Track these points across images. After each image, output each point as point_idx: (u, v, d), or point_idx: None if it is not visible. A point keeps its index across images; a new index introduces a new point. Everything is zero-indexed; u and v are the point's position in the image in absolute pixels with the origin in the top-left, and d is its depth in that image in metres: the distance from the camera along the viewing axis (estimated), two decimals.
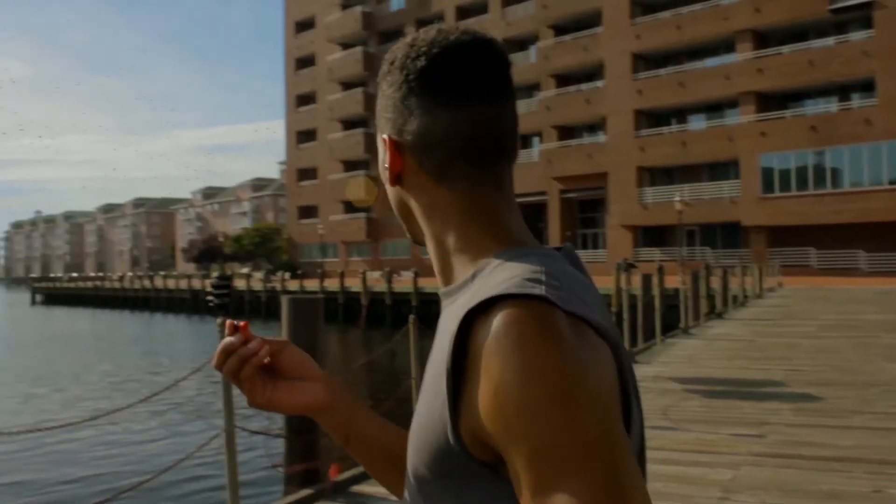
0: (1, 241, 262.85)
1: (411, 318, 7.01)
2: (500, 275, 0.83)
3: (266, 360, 1.06)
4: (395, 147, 0.96)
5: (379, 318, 39.33)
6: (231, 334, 1.06)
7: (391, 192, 1.01)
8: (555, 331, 0.75)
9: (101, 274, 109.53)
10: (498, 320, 0.76)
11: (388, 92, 0.97)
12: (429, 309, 34.98)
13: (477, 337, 0.78)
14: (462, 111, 0.92)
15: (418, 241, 1.02)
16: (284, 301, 6.09)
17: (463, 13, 59.08)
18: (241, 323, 1.07)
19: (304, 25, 74.01)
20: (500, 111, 0.94)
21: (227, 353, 1.04)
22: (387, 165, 0.97)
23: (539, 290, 0.78)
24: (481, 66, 0.93)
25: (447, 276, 0.95)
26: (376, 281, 44.12)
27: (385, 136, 0.97)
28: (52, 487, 10.30)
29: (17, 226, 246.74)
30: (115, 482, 9.48)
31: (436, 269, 0.98)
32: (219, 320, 4.81)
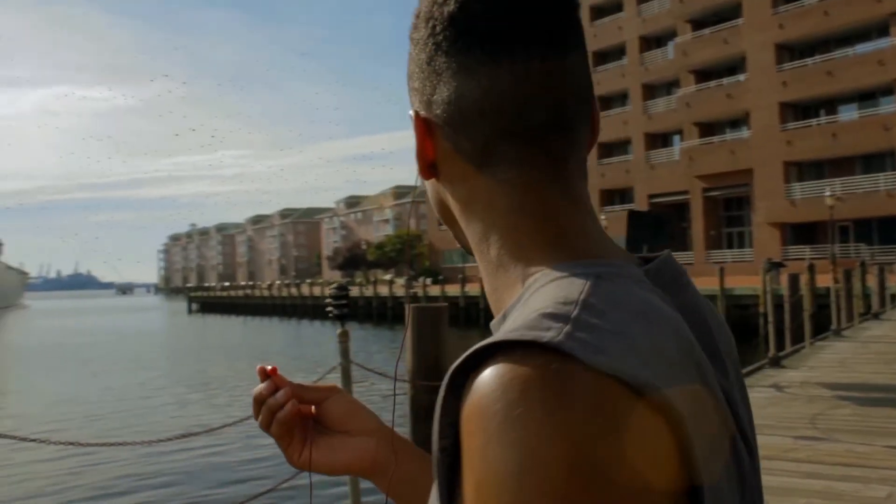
0: (160, 253, 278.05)
1: None
2: (532, 303, 0.60)
3: (305, 409, 0.92)
4: (425, 125, 0.74)
5: None
6: (262, 380, 0.91)
7: (427, 186, 0.80)
8: (560, 401, 0.51)
9: (250, 283, 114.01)
10: (482, 383, 0.54)
11: (413, 53, 0.76)
12: None
13: (465, 404, 0.55)
14: (505, 69, 0.69)
15: (468, 251, 0.79)
16: (408, 309, 6.09)
17: (597, 13, 58.24)
18: (270, 367, 0.92)
19: None
20: (559, 68, 0.70)
21: (258, 403, 0.91)
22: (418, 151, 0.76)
23: (552, 334, 0.54)
24: (530, 4, 0.70)
25: (497, 299, 0.71)
26: None
27: (412, 112, 0.76)
28: (199, 490, 10.75)
29: (175, 238, 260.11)
30: (249, 489, 9.75)
31: (486, 289, 0.74)
32: (339, 330, 4.86)
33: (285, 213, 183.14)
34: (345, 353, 4.99)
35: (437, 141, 0.74)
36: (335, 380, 5.30)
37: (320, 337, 40.61)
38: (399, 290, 55.01)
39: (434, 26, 0.72)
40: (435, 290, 50.63)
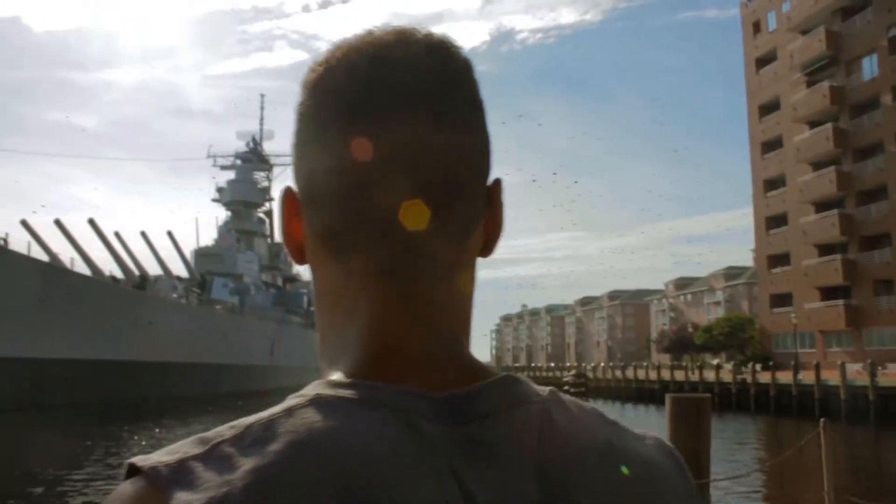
0: (493, 332, 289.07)
1: (822, 421, 6.18)
2: None
3: None
4: (292, 202, 0.69)
5: (862, 414, 35.87)
6: None
7: None
8: None
9: (574, 364, 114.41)
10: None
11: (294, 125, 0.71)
12: None
13: None
14: (354, 145, 0.63)
15: None
16: (667, 399, 5.77)
17: None
18: None
19: (768, 108, 71.90)
20: (423, 146, 0.63)
21: None
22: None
23: (153, 460, 0.56)
24: (370, 74, 0.64)
25: None
26: (858, 374, 40.40)
27: (283, 188, 0.71)
28: None
29: (507, 319, 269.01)
30: None
31: None
32: None
33: (614, 295, 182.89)
34: None
35: (303, 220, 0.69)
36: None
37: (640, 422, 38.61)
38: (726, 376, 52.54)
39: (302, 96, 0.68)
40: (765, 377, 47.62)
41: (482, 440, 0.59)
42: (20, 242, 38.20)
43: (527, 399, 0.63)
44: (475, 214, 0.67)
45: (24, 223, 42.98)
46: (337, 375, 0.62)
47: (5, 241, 36.39)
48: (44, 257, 41.45)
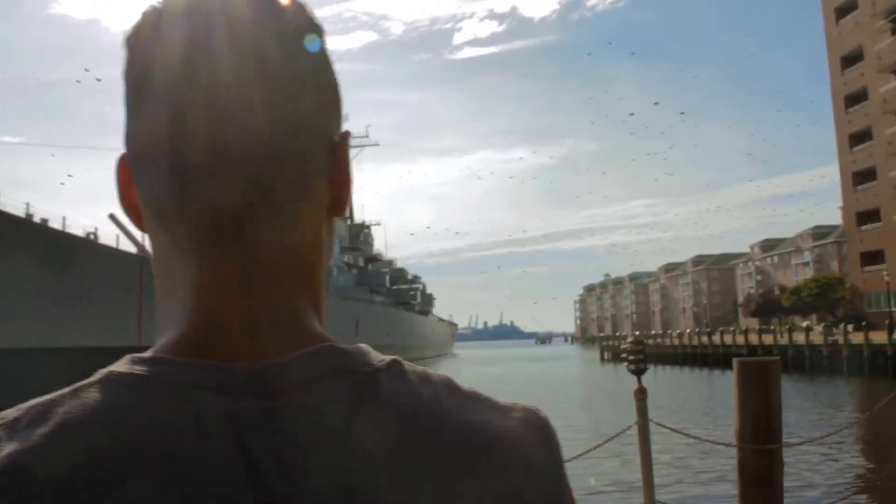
0: (576, 303, 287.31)
1: None
2: None
3: None
4: (125, 168, 0.66)
5: None
6: None
7: None
8: None
9: (659, 332, 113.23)
10: None
11: None
12: None
13: None
14: (138, 105, 0.62)
15: None
16: (735, 364, 5.70)
17: None
18: None
19: (850, 60, 69.50)
20: (186, 109, 0.59)
21: None
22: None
23: None
24: (186, 31, 0.60)
25: None
26: None
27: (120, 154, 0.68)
28: None
29: (590, 289, 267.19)
30: None
31: None
32: (636, 387, 4.70)
33: (698, 260, 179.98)
34: (642, 411, 4.79)
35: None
36: (632, 439, 5.10)
37: (723, 386, 38.05)
38: (817, 338, 51.27)
39: (124, 53, 0.64)
40: (857, 337, 46.31)
41: (284, 415, 0.56)
42: (109, 236, 39.38)
43: (349, 369, 0.60)
44: (309, 172, 0.64)
45: (112, 217, 44.25)
46: (151, 350, 0.59)
47: (95, 234, 37.56)
48: (132, 249, 42.72)
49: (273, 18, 0.62)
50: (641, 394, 5.00)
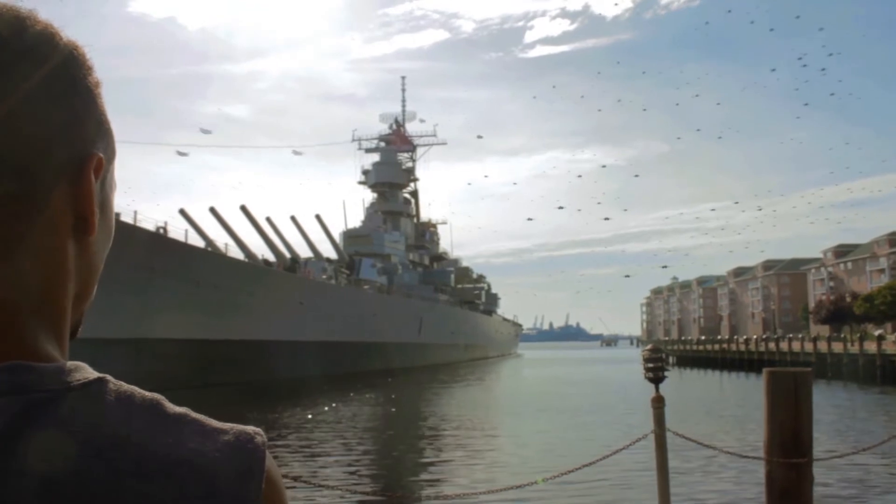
0: (643, 306, 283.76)
1: None
2: None
3: None
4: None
5: None
6: None
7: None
8: None
9: (724, 337, 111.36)
10: None
11: None
12: None
13: None
14: None
15: None
16: (764, 374, 5.75)
17: None
18: None
19: None
20: None
21: None
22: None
23: None
24: None
25: None
26: None
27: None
28: None
29: (657, 292, 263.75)
30: None
31: None
32: (653, 395, 4.82)
33: (768, 265, 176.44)
34: (659, 420, 4.85)
35: None
36: (648, 448, 5.14)
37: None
38: (889, 348, 49.94)
39: None
40: None
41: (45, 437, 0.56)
42: (178, 231, 40.34)
43: (24, 388, 0.59)
44: (32, 192, 0.62)
45: (182, 212, 45.50)
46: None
47: (165, 229, 38.47)
48: (200, 243, 43.70)
49: (17, 38, 0.63)
50: (659, 402, 4.99)
